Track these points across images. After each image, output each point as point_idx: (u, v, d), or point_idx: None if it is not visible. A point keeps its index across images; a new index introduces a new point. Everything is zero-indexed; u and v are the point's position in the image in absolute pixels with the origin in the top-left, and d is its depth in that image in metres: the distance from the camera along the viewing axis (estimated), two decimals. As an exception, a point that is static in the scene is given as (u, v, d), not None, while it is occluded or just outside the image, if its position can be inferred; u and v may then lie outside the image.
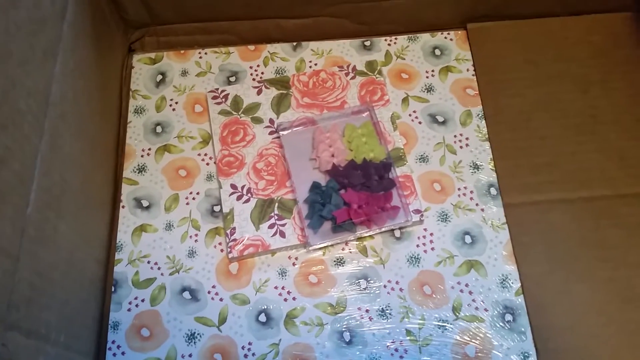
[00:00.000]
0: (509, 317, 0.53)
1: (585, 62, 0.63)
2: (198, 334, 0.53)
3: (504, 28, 0.66)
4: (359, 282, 0.54)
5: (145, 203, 0.59)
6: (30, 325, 0.40)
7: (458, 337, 0.52)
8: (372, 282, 0.54)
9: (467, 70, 0.64)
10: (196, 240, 0.57)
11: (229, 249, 0.55)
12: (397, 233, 0.56)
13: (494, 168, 0.59)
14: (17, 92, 0.39)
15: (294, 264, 0.55)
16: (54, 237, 0.45)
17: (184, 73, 0.65)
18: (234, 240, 0.56)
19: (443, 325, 0.52)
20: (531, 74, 0.63)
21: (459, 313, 0.53)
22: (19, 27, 0.39)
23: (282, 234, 0.56)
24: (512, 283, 0.54)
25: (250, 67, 0.65)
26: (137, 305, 0.54)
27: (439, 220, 0.57)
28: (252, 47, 0.66)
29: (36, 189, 0.42)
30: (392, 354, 0.52)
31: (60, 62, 0.47)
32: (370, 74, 0.64)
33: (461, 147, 0.60)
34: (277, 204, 0.57)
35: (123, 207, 0.59)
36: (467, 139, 0.61)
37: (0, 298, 0.36)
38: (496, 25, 0.66)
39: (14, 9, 0.39)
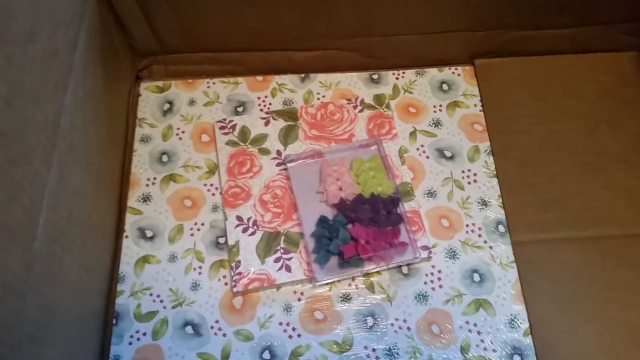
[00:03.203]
0: (517, 358, 0.52)
1: (593, 100, 0.64)
2: (201, 370, 0.52)
3: (511, 64, 0.66)
4: (365, 319, 0.54)
5: (149, 233, 0.58)
6: (31, 363, 0.39)
7: (466, 379, 0.51)
8: (379, 319, 0.54)
9: (475, 105, 0.64)
10: (200, 273, 0.56)
11: (233, 283, 0.54)
12: (405, 269, 0.56)
13: (502, 205, 0.59)
14: (29, 127, 0.38)
15: (299, 299, 0.55)
16: (59, 272, 0.44)
17: (192, 102, 0.65)
18: (239, 274, 0.55)
19: (451, 366, 0.52)
20: (539, 111, 0.63)
21: (467, 354, 0.52)
22: (34, 62, 0.39)
23: (288, 268, 0.55)
24: (520, 323, 0.53)
25: (258, 98, 0.65)
26: (138, 339, 0.53)
27: (447, 257, 0.56)
28: (260, 78, 0.66)
29: (43, 223, 0.41)
30: (399, 395, 0.51)
31: (71, 92, 0.47)
32: (378, 107, 0.64)
33: (469, 182, 0.60)
34: (283, 237, 0.57)
35: (127, 237, 0.58)
36: (475, 174, 0.60)
37: (6, 339, 0.35)
38: (504, 62, 0.66)
39: (31, 44, 0.38)
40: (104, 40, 0.56)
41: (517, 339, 0.53)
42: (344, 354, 0.52)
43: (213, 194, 0.60)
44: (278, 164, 0.60)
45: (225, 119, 0.63)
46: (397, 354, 0.52)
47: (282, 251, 0.56)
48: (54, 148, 0.43)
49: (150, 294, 0.55)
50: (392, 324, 0.53)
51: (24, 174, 0.38)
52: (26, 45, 0.37)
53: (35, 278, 0.39)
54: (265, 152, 0.61)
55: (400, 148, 0.61)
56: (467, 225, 0.58)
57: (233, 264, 0.55)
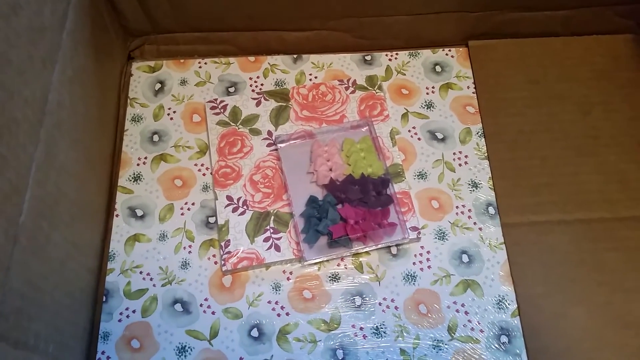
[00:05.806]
0: (504, 338, 0.52)
1: (587, 83, 0.63)
2: (189, 348, 0.52)
3: (505, 46, 0.66)
4: (353, 298, 0.54)
5: (139, 212, 0.58)
6: (19, 336, 0.40)
7: (453, 358, 0.51)
8: (367, 299, 0.54)
9: (468, 87, 0.64)
10: (190, 252, 0.56)
11: (222, 262, 0.55)
12: (394, 250, 0.56)
13: (492, 187, 0.59)
14: (15, 102, 0.38)
15: (288, 279, 0.55)
16: (46, 247, 0.44)
17: (183, 82, 0.65)
18: (228, 252, 0.55)
19: (438, 346, 0.52)
20: (532, 94, 0.63)
21: (454, 333, 0.52)
22: (19, 36, 0.39)
23: (277, 248, 0.55)
24: (508, 304, 0.53)
25: (250, 79, 0.65)
26: (128, 316, 0.54)
27: (436, 238, 0.56)
28: (252, 59, 0.66)
29: (30, 198, 0.41)
30: (385, 373, 0.51)
31: (59, 70, 0.46)
32: (370, 88, 0.63)
33: (460, 164, 0.60)
34: (273, 217, 0.57)
35: (117, 215, 0.58)
36: (466, 156, 0.60)
37: (-11, 309, 0.35)
38: (498, 43, 0.66)
39: (15, 17, 0.38)
40: (94, 19, 0.56)
41: (504, 320, 0.53)
42: (332, 332, 0.53)
43: (204, 174, 0.60)
44: (269, 145, 0.60)
45: (216, 99, 0.63)
46: (385, 332, 0.52)
47: (271, 231, 0.56)
48: (41, 124, 0.43)
49: (140, 272, 0.55)
50: (379, 304, 0.54)
51: (9, 147, 0.38)
52: (10, 17, 0.37)
53: (20, 251, 0.39)
54: (256, 132, 0.61)
55: (392, 129, 0.61)
56: (457, 207, 0.58)
57: (222, 243, 0.55)
